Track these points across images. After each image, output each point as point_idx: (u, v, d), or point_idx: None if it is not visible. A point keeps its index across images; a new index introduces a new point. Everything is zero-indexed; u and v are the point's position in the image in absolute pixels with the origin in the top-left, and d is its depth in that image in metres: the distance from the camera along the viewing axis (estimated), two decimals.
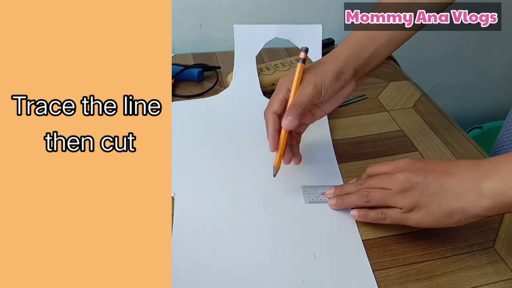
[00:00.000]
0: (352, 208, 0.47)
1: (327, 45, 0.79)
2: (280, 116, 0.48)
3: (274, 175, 0.49)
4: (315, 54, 0.69)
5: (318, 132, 0.59)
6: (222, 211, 0.48)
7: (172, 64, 0.71)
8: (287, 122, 0.46)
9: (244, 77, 0.67)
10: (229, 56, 0.79)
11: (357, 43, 0.51)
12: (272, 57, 0.79)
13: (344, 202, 0.47)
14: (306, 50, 0.49)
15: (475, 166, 0.39)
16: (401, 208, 0.42)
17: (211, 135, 0.59)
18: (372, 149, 0.59)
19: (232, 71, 0.69)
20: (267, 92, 0.69)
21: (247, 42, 0.68)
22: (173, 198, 0.49)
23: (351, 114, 0.66)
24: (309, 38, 0.69)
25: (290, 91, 0.48)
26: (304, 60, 0.49)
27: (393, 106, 0.68)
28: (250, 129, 0.60)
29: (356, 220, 0.47)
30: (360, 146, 0.59)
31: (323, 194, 0.50)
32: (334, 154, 0.57)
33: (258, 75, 0.68)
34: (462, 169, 0.40)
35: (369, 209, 0.45)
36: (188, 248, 0.44)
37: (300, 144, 0.53)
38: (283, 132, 0.48)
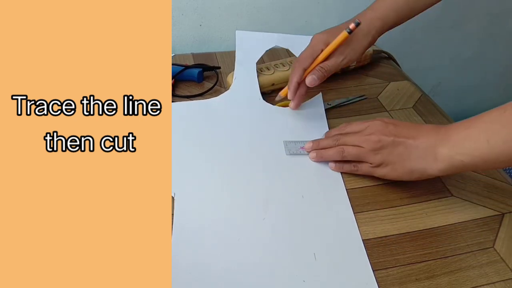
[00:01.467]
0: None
1: None
2: (305, 70, 0.57)
3: (276, 100, 0.59)
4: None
5: (317, 131, 0.60)
6: (222, 211, 0.48)
7: (172, 64, 0.71)
8: (310, 80, 0.56)
9: (244, 82, 0.68)
10: (229, 56, 0.79)
11: (383, 14, 0.58)
12: (272, 57, 0.79)
13: (322, 156, 0.54)
14: (358, 24, 0.53)
15: (434, 132, 0.46)
16: (371, 164, 0.50)
17: (211, 135, 0.59)
18: None
19: (233, 71, 0.69)
20: (267, 92, 0.69)
21: (248, 48, 0.70)
22: (173, 198, 0.49)
23: (351, 114, 0.66)
24: None
25: (323, 52, 0.56)
26: (351, 31, 0.53)
27: (393, 106, 0.68)
28: (250, 130, 0.60)
29: (352, 213, 0.48)
30: None
31: (303, 148, 0.56)
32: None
33: (258, 75, 0.68)
34: (424, 134, 0.47)
35: (344, 163, 0.53)
36: (188, 248, 0.44)
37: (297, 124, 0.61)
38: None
